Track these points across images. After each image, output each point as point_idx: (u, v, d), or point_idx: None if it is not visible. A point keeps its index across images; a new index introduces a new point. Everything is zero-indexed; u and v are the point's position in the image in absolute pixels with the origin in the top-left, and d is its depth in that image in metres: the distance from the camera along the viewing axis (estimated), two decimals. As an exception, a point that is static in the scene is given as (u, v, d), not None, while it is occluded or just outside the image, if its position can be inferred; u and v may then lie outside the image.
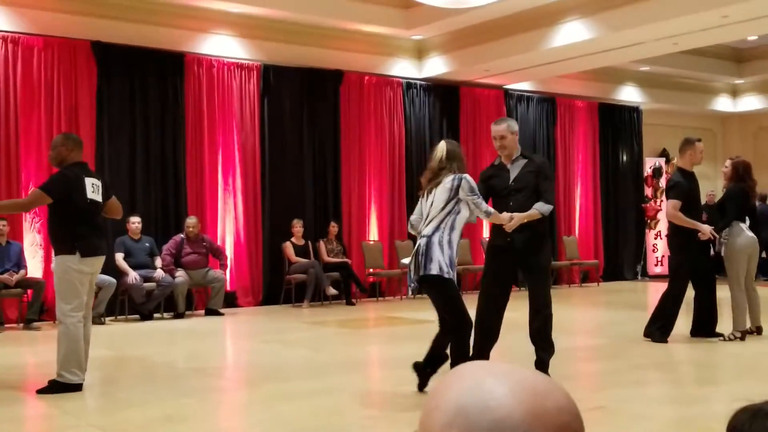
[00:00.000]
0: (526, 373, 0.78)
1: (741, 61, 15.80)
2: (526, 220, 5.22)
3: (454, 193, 4.79)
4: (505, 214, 5.19)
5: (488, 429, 0.73)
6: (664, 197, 7.27)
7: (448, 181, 4.82)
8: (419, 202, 5.04)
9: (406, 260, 4.96)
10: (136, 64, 10.40)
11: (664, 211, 7.21)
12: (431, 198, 4.87)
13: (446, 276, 4.73)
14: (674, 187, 7.05)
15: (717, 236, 7.08)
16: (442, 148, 5.00)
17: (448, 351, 4.94)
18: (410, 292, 5.08)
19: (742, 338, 7.07)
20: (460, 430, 0.73)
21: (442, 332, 4.96)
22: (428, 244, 4.74)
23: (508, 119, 5.67)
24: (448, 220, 4.80)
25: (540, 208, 5.26)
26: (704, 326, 7.30)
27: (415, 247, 4.84)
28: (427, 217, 4.85)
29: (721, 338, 7.13)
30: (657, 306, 7.24)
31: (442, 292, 4.82)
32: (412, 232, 5.13)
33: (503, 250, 5.34)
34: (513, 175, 5.42)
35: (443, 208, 4.80)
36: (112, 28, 10.04)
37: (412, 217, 5.07)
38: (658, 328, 7.13)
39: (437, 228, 4.79)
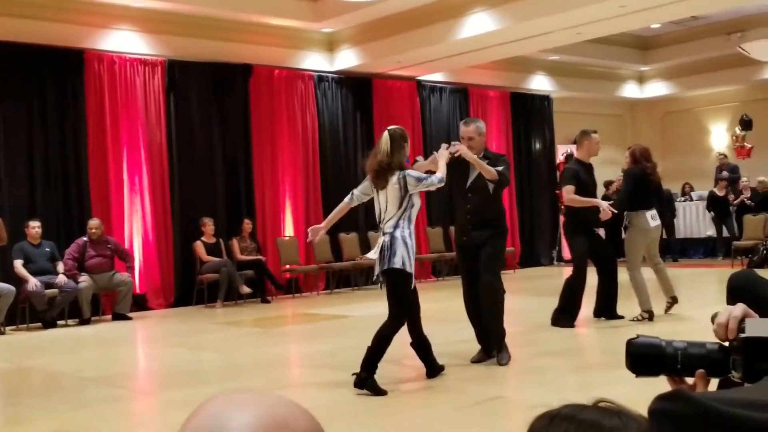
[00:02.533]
0: (270, 399, 0.79)
1: (646, 49, 16.25)
2: (476, 165, 5.58)
3: (404, 191, 5.02)
4: (457, 147, 5.53)
5: None
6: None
7: (395, 182, 5.01)
8: (367, 185, 5.20)
9: (371, 255, 5.13)
10: (32, 63, 10.01)
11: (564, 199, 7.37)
12: (384, 196, 5.06)
13: (408, 270, 5.00)
14: (568, 175, 7.28)
15: (614, 212, 7.30)
16: (386, 140, 5.09)
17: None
18: (380, 287, 5.15)
19: (650, 318, 7.28)
20: None
21: (409, 322, 5.16)
22: (392, 241, 4.98)
23: (476, 120, 5.94)
24: (405, 215, 5.05)
25: (497, 167, 5.66)
26: (606, 308, 7.49)
27: (380, 244, 5.02)
28: (384, 214, 5.07)
29: (629, 319, 7.32)
30: (561, 293, 7.38)
31: (398, 285, 5.02)
32: (348, 201, 5.29)
33: (463, 247, 5.82)
34: (473, 176, 5.73)
35: (399, 206, 5.02)
36: (6, 25, 9.60)
37: (356, 192, 5.27)
38: (564, 314, 7.28)
39: (397, 225, 5.02)
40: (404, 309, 5.04)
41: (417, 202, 5.09)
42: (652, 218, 7.38)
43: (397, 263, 4.94)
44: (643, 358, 1.19)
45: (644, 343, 1.19)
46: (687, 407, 0.89)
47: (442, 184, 5.22)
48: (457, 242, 6.04)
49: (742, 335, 1.15)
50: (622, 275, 7.51)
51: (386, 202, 5.05)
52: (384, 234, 5.03)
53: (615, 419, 0.94)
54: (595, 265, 7.43)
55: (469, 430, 4.12)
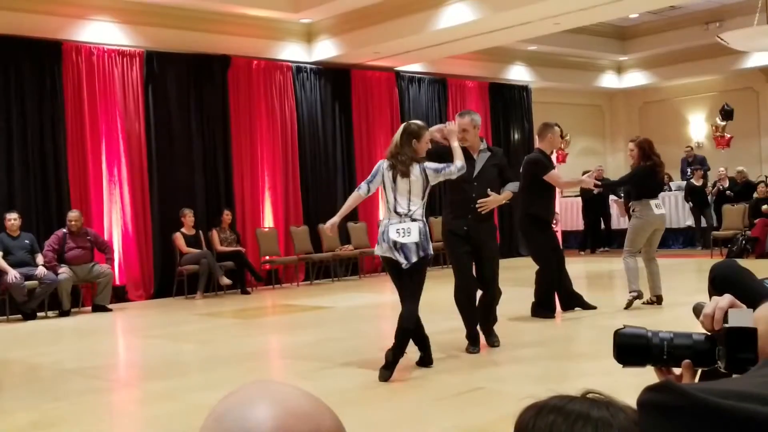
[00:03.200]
0: (295, 394, 0.80)
1: (625, 39, 16.34)
2: (503, 202, 5.92)
3: (427, 182, 5.20)
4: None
5: None
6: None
7: (417, 173, 5.15)
8: (381, 174, 5.24)
9: (400, 238, 5.08)
10: (9, 54, 9.94)
11: (553, 182, 7.42)
12: (408, 185, 5.15)
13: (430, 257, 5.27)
14: (542, 163, 7.35)
15: (598, 186, 7.64)
16: (399, 132, 5.28)
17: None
18: (404, 266, 5.14)
19: (639, 297, 7.46)
20: None
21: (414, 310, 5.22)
22: (426, 227, 5.21)
23: (471, 113, 6.00)
24: (425, 203, 5.26)
25: (512, 188, 5.95)
26: (569, 300, 7.62)
27: (413, 229, 5.09)
28: (410, 203, 5.15)
29: (624, 305, 7.47)
30: (536, 286, 7.47)
31: (424, 272, 5.22)
32: (361, 193, 5.35)
33: (464, 236, 5.77)
34: (478, 167, 5.81)
35: (424, 196, 5.21)
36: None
37: (370, 184, 5.30)
38: (541, 305, 7.38)
39: (423, 213, 5.23)
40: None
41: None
42: (656, 207, 7.50)
43: (430, 250, 5.18)
44: (630, 349, 1.19)
45: (631, 334, 1.20)
46: (676, 398, 0.89)
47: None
48: (454, 230, 5.85)
49: (726, 325, 1.16)
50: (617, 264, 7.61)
51: (410, 190, 5.16)
52: (415, 220, 5.14)
53: (603, 410, 0.95)
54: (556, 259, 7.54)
55: (451, 420, 4.17)
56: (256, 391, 0.80)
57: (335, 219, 5.49)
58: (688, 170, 14.98)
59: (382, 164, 5.28)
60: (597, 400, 0.99)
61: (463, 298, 5.82)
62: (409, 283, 5.13)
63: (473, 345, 5.84)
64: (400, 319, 5.12)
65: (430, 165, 5.21)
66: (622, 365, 1.22)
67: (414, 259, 5.08)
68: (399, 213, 5.17)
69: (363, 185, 5.37)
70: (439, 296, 6.99)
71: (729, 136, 16.46)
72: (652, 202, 7.48)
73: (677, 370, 1.23)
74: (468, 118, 5.84)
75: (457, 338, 6.00)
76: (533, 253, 7.65)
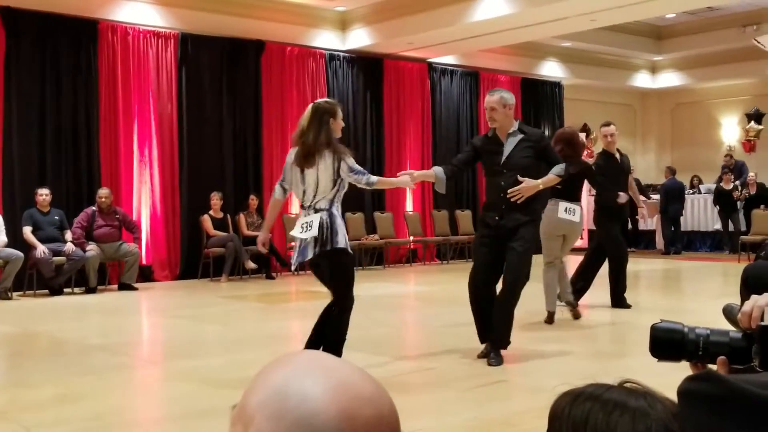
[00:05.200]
0: (356, 375, 0.77)
1: (660, 38, 16.16)
2: (543, 187, 5.23)
3: (338, 175, 4.72)
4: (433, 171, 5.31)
5: (299, 418, 0.72)
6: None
7: (329, 163, 4.68)
8: (291, 170, 4.77)
9: (301, 234, 4.68)
10: (47, 31, 10.05)
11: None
12: (315, 175, 4.69)
13: (349, 250, 4.78)
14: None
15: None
16: (306, 115, 4.76)
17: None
18: (293, 269, 4.90)
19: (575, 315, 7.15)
20: (271, 413, 0.73)
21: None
22: (331, 218, 4.68)
23: (502, 90, 5.38)
24: (338, 195, 4.78)
25: (557, 171, 5.26)
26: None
27: (315, 222, 4.66)
28: (316, 192, 4.70)
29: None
30: (610, 276, 7.54)
31: (343, 265, 4.75)
32: (278, 197, 4.92)
33: (495, 227, 5.22)
34: (506, 153, 5.23)
35: (333, 186, 4.73)
36: (21, -8, 9.64)
37: (284, 184, 4.87)
38: (619, 295, 7.49)
39: (332, 203, 4.74)
40: (351, 289, 4.74)
41: (346, 185, 4.83)
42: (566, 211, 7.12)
43: (340, 242, 4.66)
44: (665, 343, 1.19)
45: (666, 328, 1.19)
46: (717, 388, 0.88)
47: (367, 188, 5.01)
48: (486, 221, 5.29)
49: (761, 323, 1.16)
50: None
51: (317, 180, 4.67)
52: (318, 211, 4.67)
53: (641, 400, 0.95)
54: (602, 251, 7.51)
55: (472, 411, 4.17)
56: (313, 368, 0.77)
57: (263, 235, 5.19)
58: (729, 176, 14.64)
59: (290, 156, 4.81)
60: (635, 390, 0.98)
61: (469, 294, 5.38)
62: (328, 283, 4.77)
63: (484, 346, 5.34)
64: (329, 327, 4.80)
65: (348, 160, 4.72)
66: (656, 359, 1.22)
67: (309, 255, 4.66)
68: (303, 206, 4.78)
69: (277, 188, 4.94)
70: (459, 288, 6.98)
71: (756, 140, 16.24)
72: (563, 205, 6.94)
73: (712, 367, 1.22)
74: (497, 96, 5.24)
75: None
76: (606, 244, 7.58)
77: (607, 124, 7.58)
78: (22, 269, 9.15)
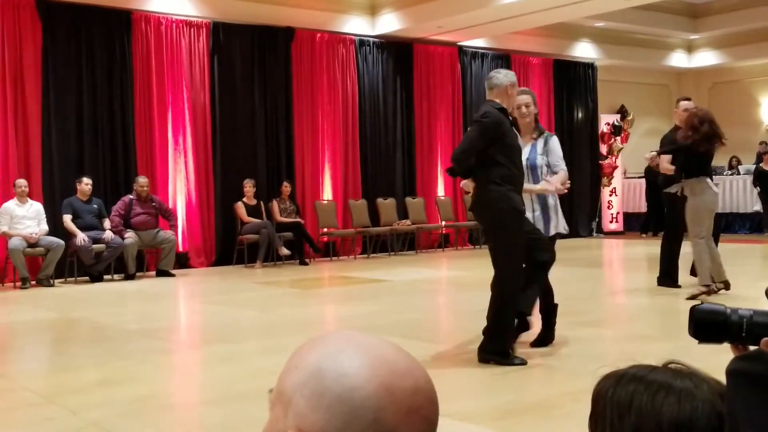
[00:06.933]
0: (391, 349, 0.78)
1: (696, 17, 15.88)
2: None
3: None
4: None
5: (339, 395, 0.74)
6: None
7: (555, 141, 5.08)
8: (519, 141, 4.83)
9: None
10: (81, 22, 10.18)
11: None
12: (546, 148, 4.99)
13: None
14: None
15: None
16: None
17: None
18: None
19: (708, 293, 6.81)
20: (312, 392, 0.75)
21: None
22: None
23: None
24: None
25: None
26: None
27: (552, 203, 5.00)
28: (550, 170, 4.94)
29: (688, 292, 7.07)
30: (661, 256, 7.61)
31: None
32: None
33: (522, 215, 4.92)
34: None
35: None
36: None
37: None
38: (667, 275, 7.51)
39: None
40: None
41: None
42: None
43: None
44: (707, 325, 1.17)
45: (708, 310, 1.17)
46: (767, 367, 0.88)
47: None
48: (520, 208, 4.79)
49: None
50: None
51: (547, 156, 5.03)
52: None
53: (687, 381, 0.95)
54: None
55: (510, 394, 4.18)
56: (346, 345, 0.78)
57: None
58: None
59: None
60: (680, 371, 0.98)
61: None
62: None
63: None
64: None
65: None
66: (698, 341, 1.21)
67: (553, 231, 5.15)
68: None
69: None
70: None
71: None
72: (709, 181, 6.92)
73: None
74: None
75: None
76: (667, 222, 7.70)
77: (687, 99, 7.66)
78: (63, 257, 9.33)
